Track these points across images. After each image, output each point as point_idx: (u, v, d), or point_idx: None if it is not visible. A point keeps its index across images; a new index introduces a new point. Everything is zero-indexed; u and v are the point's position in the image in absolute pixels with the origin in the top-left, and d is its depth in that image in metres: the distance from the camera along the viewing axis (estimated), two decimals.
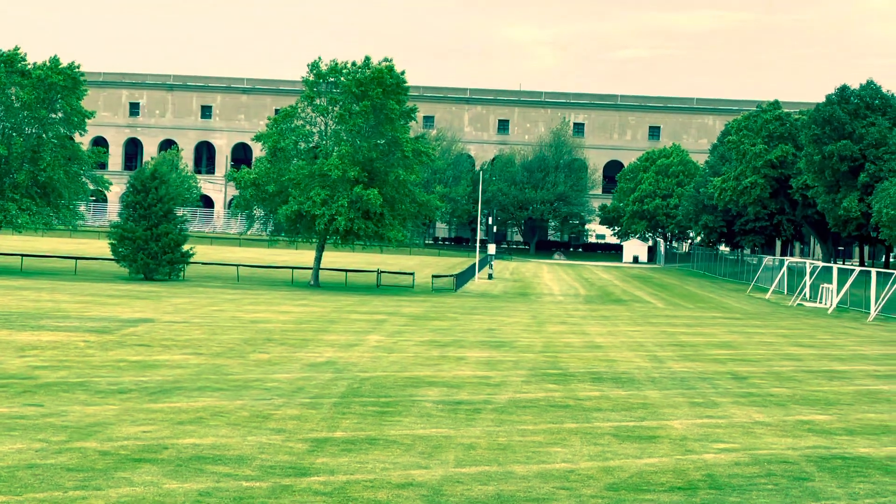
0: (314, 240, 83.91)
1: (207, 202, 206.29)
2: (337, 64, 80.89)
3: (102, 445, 21.86)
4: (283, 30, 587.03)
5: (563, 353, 42.86)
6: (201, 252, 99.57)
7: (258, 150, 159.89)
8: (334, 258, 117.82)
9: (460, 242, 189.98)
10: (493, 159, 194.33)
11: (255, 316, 52.75)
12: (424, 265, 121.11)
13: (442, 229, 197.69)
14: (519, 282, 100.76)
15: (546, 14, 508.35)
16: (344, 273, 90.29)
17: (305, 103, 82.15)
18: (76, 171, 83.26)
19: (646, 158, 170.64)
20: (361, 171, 78.43)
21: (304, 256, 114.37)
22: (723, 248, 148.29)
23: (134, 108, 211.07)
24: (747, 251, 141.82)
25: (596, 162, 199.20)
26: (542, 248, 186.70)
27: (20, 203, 78.63)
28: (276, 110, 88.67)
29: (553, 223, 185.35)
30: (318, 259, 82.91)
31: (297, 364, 35.41)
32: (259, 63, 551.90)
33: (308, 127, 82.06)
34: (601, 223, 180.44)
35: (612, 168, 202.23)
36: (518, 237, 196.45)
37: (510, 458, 22.42)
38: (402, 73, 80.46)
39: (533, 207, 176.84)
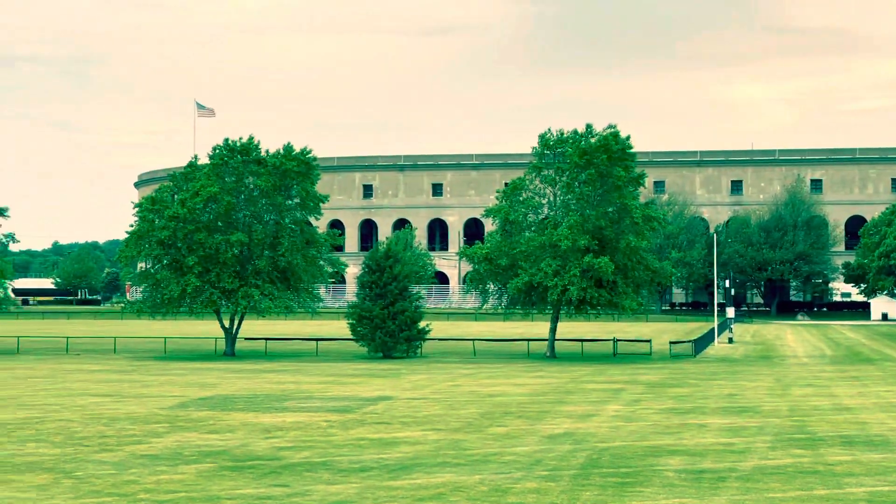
0: (548, 311, 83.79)
1: (442, 278, 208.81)
2: (563, 134, 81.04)
3: None
4: (508, 104, 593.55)
5: (811, 416, 41.52)
6: (438, 328, 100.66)
7: (489, 225, 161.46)
8: (569, 328, 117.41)
9: (697, 307, 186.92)
10: (728, 221, 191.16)
11: (493, 390, 52.85)
12: (661, 331, 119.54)
13: (678, 294, 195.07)
14: (760, 345, 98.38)
15: (776, 71, 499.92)
16: (579, 343, 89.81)
17: (533, 175, 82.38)
18: (314, 254, 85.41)
19: (891, 212, 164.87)
20: (591, 239, 78.11)
21: (539, 328, 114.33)
22: None
23: (367, 190, 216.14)
24: None
25: (836, 218, 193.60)
26: (784, 309, 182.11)
27: (262, 288, 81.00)
28: (506, 184, 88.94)
29: (794, 283, 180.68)
30: (553, 330, 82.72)
31: (535, 436, 35.23)
32: (487, 138, 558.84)
33: (537, 198, 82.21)
34: (845, 281, 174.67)
35: (855, 223, 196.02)
36: (758, 299, 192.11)
37: None
38: (627, 138, 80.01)
39: (772, 268, 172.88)
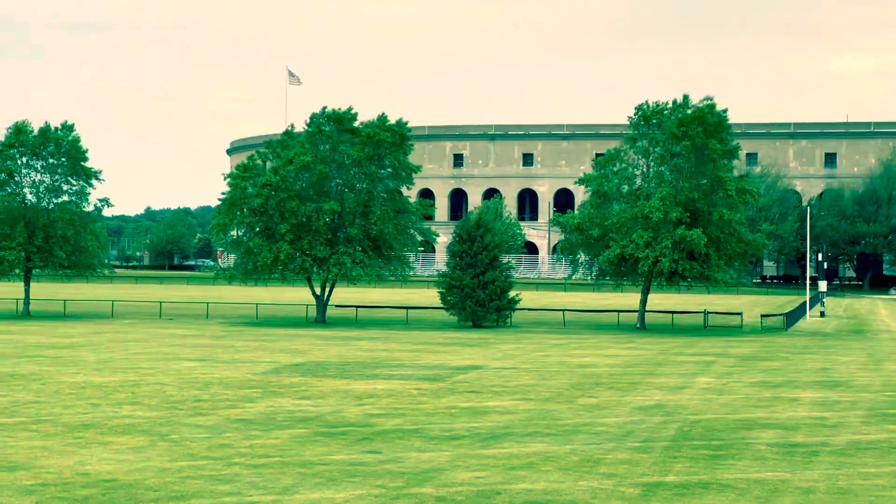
0: (639, 282, 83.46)
1: (531, 248, 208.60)
2: (659, 105, 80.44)
3: (438, 491, 22.29)
4: (599, 73, 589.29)
5: None
6: (527, 298, 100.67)
7: (580, 195, 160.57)
8: (660, 300, 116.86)
9: (789, 280, 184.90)
10: (821, 194, 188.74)
11: (583, 360, 52.82)
12: (752, 304, 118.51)
13: (769, 267, 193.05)
14: (853, 319, 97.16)
15: (872, 43, 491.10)
16: (670, 315, 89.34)
17: (628, 146, 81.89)
18: (405, 223, 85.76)
19: None
20: (684, 211, 77.52)
21: (629, 299, 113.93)
22: None
23: (458, 160, 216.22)
24: None
25: None
26: (877, 283, 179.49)
27: (354, 256, 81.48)
28: (597, 154, 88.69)
29: (888, 257, 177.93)
30: (644, 301, 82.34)
31: (626, 408, 35.19)
32: (578, 108, 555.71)
33: (630, 169, 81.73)
34: None
35: None
36: (850, 273, 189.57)
37: (851, 502, 21.55)
38: (724, 111, 79.16)
39: (865, 242, 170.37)
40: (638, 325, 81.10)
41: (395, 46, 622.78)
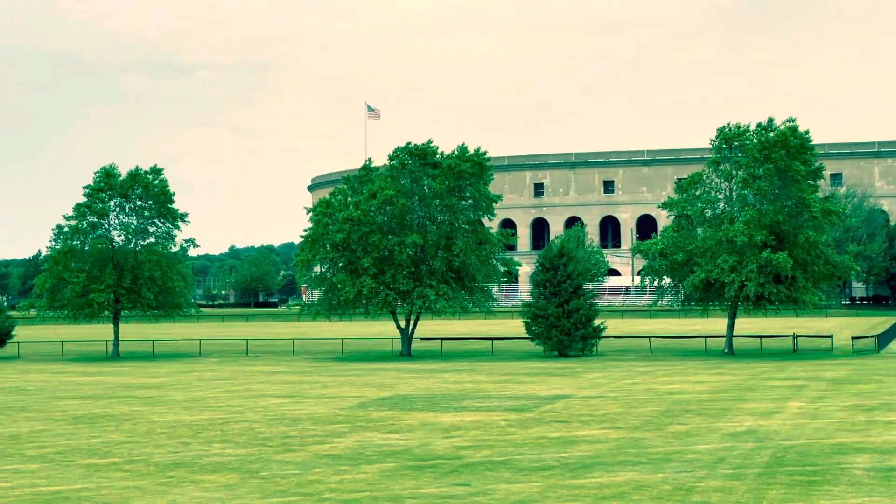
0: (725, 307, 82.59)
1: (615, 275, 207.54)
2: (740, 127, 79.81)
3: None
4: (678, 98, 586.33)
5: None
6: (612, 326, 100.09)
7: (663, 221, 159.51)
8: (747, 324, 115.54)
9: (879, 301, 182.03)
10: None
11: (671, 387, 52.32)
12: (842, 327, 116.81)
13: (858, 289, 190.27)
14: None
15: None
16: (758, 339, 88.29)
17: (710, 169, 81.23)
18: (487, 254, 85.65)
19: None
20: (769, 234, 76.70)
21: (715, 324, 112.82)
22: None
23: (538, 189, 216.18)
24: None
25: None
26: None
27: (437, 289, 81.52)
28: (678, 179, 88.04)
29: None
30: (731, 326, 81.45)
31: (717, 434, 34.75)
32: (658, 133, 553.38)
33: (713, 193, 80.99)
34: None
35: None
36: None
37: None
38: (806, 132, 78.26)
39: None
40: (726, 351, 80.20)
41: (472, 78, 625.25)
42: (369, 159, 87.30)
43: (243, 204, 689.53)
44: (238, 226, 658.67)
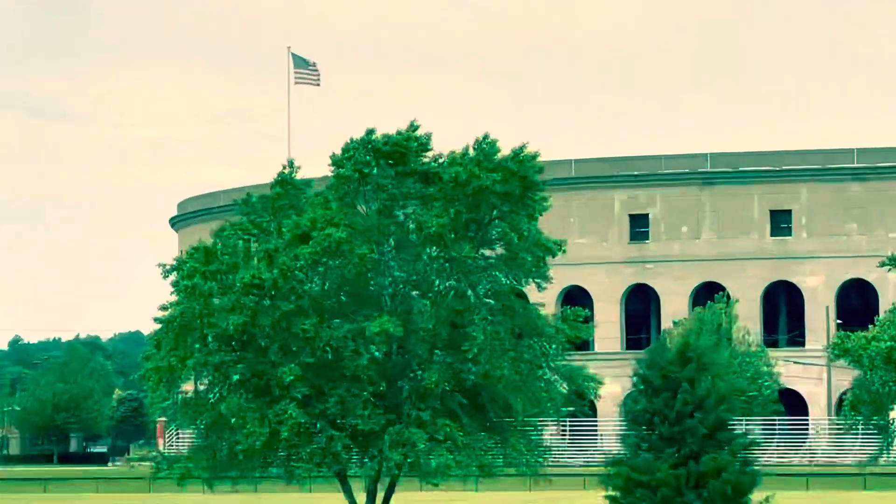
0: None
1: (793, 400, 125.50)
2: None
3: None
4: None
5: None
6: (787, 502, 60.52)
7: (891, 292, 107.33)
8: None
9: None
10: None
11: None
12: None
13: None
14: None
15: None
16: None
17: None
18: (534, 358, 48.20)
19: None
20: None
21: None
22: None
23: (638, 223, 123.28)
24: None
25: None
26: None
27: (433, 427, 45.43)
28: None
29: None
30: None
31: None
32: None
33: None
34: None
35: None
36: None
37: None
38: None
39: None
40: None
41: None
42: (291, 161, 47.80)
43: (37, 262, 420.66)
44: (27, 302, 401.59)
